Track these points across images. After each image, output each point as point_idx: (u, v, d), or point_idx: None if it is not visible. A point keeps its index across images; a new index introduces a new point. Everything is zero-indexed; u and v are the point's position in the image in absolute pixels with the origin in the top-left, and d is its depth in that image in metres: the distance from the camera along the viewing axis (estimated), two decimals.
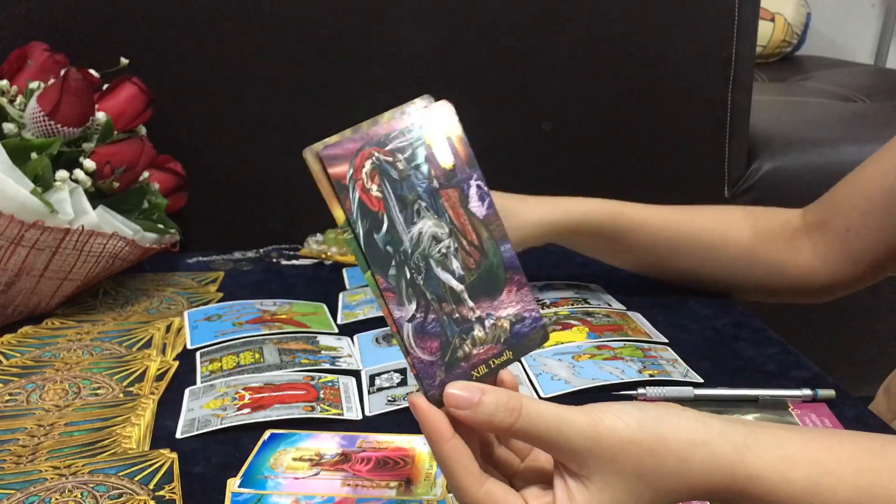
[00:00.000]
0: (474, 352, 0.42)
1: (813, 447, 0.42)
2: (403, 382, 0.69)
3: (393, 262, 0.41)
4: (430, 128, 0.43)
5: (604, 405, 0.41)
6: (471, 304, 0.43)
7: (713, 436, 0.41)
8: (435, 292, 0.42)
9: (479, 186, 0.44)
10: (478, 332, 0.43)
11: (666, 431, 0.40)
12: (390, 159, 0.41)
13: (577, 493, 0.40)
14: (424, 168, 0.42)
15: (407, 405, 0.65)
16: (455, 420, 0.41)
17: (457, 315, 0.42)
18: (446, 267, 0.42)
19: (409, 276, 0.41)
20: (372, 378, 0.70)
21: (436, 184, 0.42)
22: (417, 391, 0.41)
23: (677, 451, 0.40)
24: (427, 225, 0.42)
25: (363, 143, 0.41)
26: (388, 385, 0.69)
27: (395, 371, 0.71)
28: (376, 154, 0.41)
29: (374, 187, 0.41)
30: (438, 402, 0.41)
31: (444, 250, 0.42)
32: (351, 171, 0.40)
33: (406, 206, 0.41)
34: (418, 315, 0.41)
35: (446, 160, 0.43)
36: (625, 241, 0.79)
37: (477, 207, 0.43)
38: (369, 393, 0.68)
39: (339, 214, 0.40)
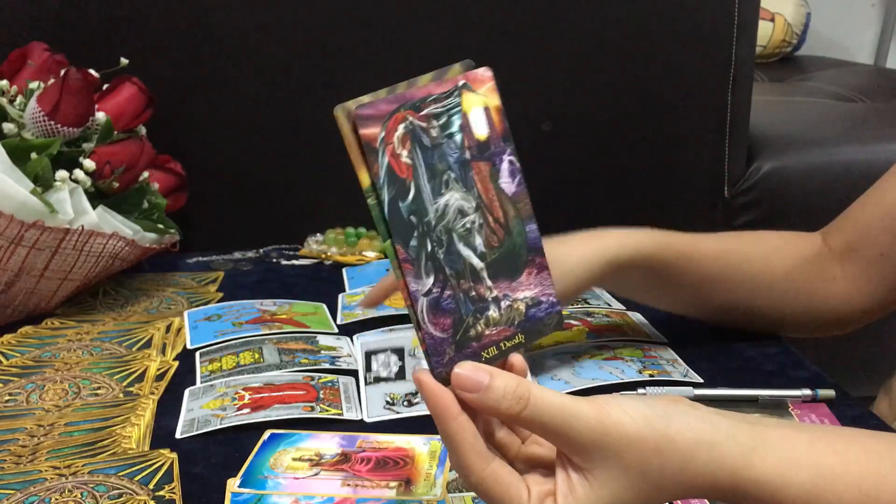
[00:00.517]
0: (486, 332, 0.41)
1: (819, 449, 0.42)
2: (402, 373, 0.68)
3: (415, 233, 0.39)
4: (469, 95, 0.41)
5: (611, 398, 0.41)
6: (489, 283, 0.41)
7: (721, 437, 0.41)
8: (454, 268, 0.40)
9: (511, 162, 0.42)
10: (493, 312, 0.42)
11: (673, 430, 0.40)
12: (424, 125, 0.40)
13: (579, 485, 0.40)
14: (458, 137, 0.41)
15: (405, 415, 0.65)
16: (460, 398, 0.40)
17: (473, 293, 0.41)
18: (469, 243, 0.41)
19: (429, 248, 0.40)
20: (368, 359, 0.68)
21: (468, 155, 0.41)
22: (424, 368, 0.40)
23: (683, 450, 0.40)
24: (454, 197, 0.40)
25: (398, 105, 0.39)
26: (385, 375, 0.68)
27: (393, 351, 0.69)
28: (410, 118, 0.39)
29: (405, 153, 0.39)
30: (445, 380, 0.40)
31: (468, 225, 0.41)
32: (383, 134, 0.38)
33: (435, 175, 0.40)
34: (435, 290, 0.40)
35: (481, 131, 0.41)
36: (675, 274, 0.70)
37: (507, 184, 0.42)
38: (366, 383, 0.67)
39: (364, 178, 0.38)
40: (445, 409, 0.40)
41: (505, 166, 0.42)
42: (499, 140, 0.42)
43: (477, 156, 0.41)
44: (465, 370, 0.40)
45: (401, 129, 0.39)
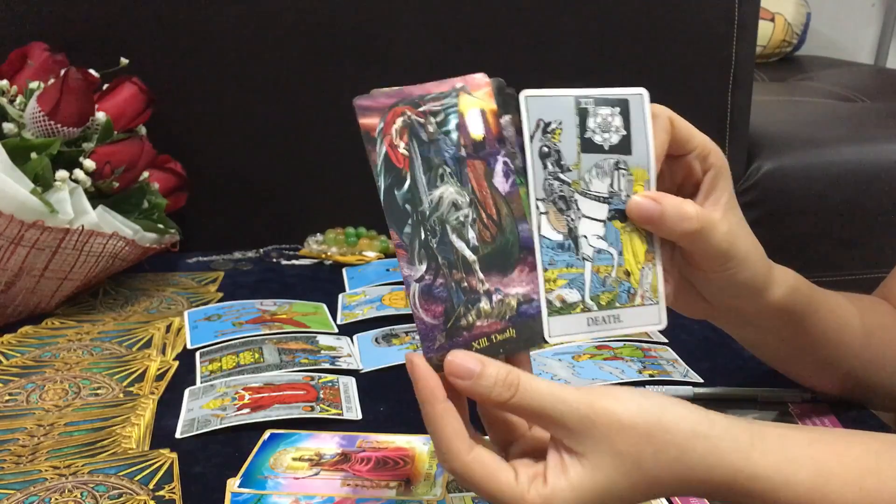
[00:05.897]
0: (478, 323, 0.43)
1: (819, 448, 0.42)
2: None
3: (409, 221, 0.41)
4: (466, 97, 0.43)
5: (606, 387, 0.41)
6: (481, 276, 0.43)
7: (717, 431, 0.41)
8: (447, 258, 0.42)
9: (505, 163, 0.44)
10: (484, 304, 0.43)
11: (668, 420, 0.40)
12: (422, 120, 0.42)
13: (572, 466, 0.40)
14: (454, 135, 0.43)
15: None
16: (447, 384, 0.41)
17: (465, 284, 0.43)
18: (461, 235, 0.43)
19: (423, 236, 0.42)
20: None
21: (463, 153, 0.43)
22: (418, 352, 0.42)
23: (679, 441, 0.40)
24: (449, 191, 0.42)
25: (398, 100, 0.41)
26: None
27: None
28: (408, 113, 0.42)
29: (402, 145, 0.41)
30: (436, 366, 0.41)
31: (461, 218, 0.43)
32: (381, 125, 0.41)
33: (431, 168, 0.42)
34: (427, 277, 0.42)
35: (477, 131, 0.43)
36: (807, 323, 0.57)
37: (501, 183, 0.44)
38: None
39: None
40: (433, 392, 0.40)
41: (499, 167, 0.44)
42: (494, 142, 0.44)
43: (472, 154, 0.43)
44: (458, 358, 0.41)
45: (399, 122, 0.41)
